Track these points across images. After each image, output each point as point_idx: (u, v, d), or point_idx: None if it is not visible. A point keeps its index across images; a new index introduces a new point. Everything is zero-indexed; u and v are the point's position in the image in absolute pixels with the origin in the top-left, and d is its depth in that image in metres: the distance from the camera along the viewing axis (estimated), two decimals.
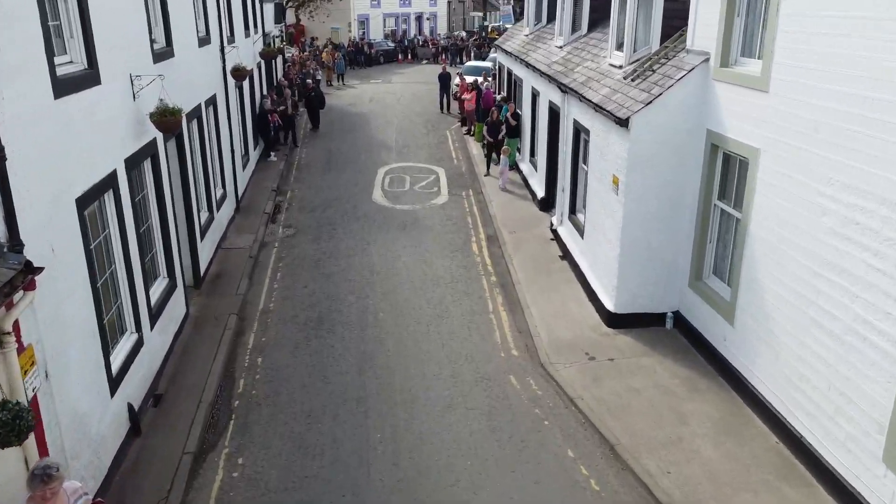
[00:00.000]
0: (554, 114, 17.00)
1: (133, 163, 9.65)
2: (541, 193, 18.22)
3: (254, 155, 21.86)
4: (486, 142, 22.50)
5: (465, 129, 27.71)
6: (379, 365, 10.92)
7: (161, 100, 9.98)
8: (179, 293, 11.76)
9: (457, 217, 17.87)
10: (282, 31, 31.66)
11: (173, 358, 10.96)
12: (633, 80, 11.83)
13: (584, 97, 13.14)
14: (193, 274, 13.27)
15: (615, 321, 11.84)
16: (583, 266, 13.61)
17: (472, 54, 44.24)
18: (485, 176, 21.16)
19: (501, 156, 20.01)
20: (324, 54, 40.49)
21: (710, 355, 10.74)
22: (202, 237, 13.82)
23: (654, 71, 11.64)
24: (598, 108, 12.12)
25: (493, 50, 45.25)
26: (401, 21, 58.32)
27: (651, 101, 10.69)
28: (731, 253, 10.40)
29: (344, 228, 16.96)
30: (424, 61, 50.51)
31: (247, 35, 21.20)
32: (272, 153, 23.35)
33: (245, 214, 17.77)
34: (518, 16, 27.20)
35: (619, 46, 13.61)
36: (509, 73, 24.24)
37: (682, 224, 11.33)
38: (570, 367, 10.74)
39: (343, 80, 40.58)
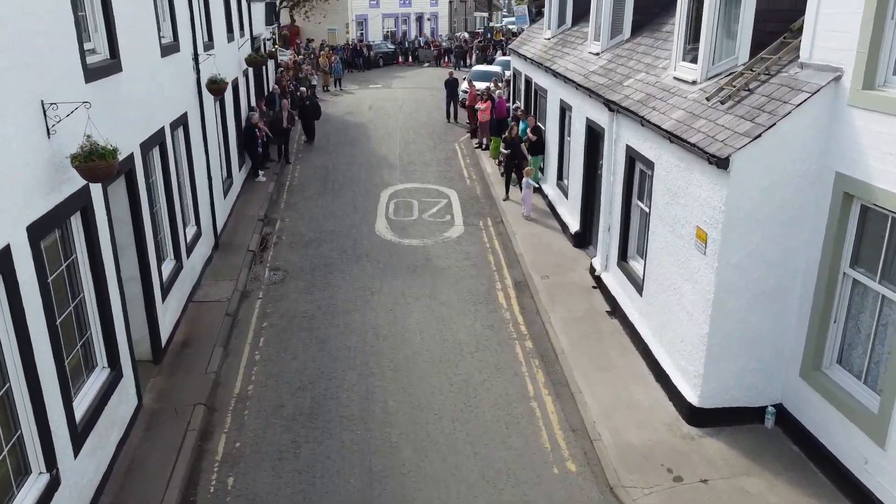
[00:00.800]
0: (594, 134, 14.13)
1: (44, 227, 6.76)
2: (574, 226, 15.35)
3: (239, 176, 18.96)
4: (503, 160, 19.67)
5: (475, 141, 24.83)
6: (391, 491, 8.04)
7: (87, 136, 7.09)
8: (127, 384, 8.87)
9: (476, 255, 14.99)
10: (274, 34, 28.84)
11: (113, 480, 8.07)
12: (722, 102, 8.97)
13: (646, 120, 10.27)
14: (152, 345, 10.38)
15: (700, 418, 8.99)
16: (643, 332, 10.74)
17: (475, 57, 41.22)
18: (504, 200, 18.29)
19: (524, 178, 17.13)
20: (321, 57, 37.57)
21: (837, 475, 7.90)
22: (165, 295, 10.92)
23: (750, 91, 8.78)
24: (672, 137, 9.26)
25: (498, 52, 42.50)
26: (400, 21, 55.41)
27: (760, 134, 7.82)
28: (873, 341, 7.55)
29: (342, 272, 14.07)
30: (426, 64, 47.60)
31: (230, 39, 18.30)
32: (261, 172, 20.44)
33: (225, 253, 14.87)
34: (534, 16, 24.23)
35: (689, 56, 10.74)
36: (528, 82, 21.36)
37: (793, 297, 8.48)
38: (651, 494, 7.88)
39: (340, 85, 37.66)
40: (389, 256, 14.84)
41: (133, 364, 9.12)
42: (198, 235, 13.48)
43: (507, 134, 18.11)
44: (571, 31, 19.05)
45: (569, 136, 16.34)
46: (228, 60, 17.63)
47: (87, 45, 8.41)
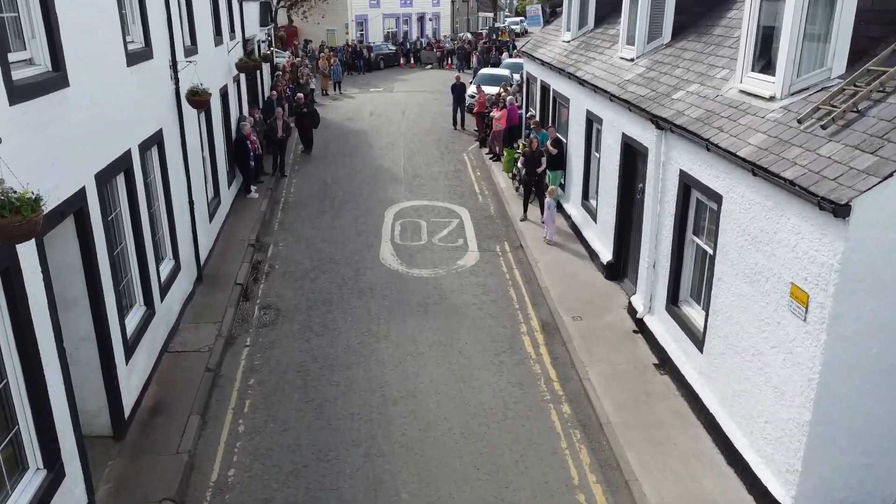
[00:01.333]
0: (632, 153, 12.26)
1: None
2: (606, 255, 13.48)
3: (228, 194, 17.07)
4: (518, 175, 17.85)
5: (486, 151, 22.97)
6: None
7: (0, 182, 5.22)
8: (71, 484, 6.98)
9: (495, 289, 13.12)
10: (269, 35, 27.00)
11: None
12: (823, 127, 7.10)
13: (713, 144, 8.40)
14: (112, 418, 8.51)
15: None
16: (706, 399, 8.87)
17: (479, 59, 39.28)
18: (521, 221, 16.42)
19: (546, 198, 15.26)
20: (320, 59, 35.65)
21: None
22: (130, 353, 9.04)
23: (860, 112, 6.91)
24: (756, 168, 7.38)
25: (504, 55, 40.66)
26: (401, 22, 53.52)
27: (893, 173, 5.95)
28: None
29: (342, 310, 12.19)
30: (429, 66, 45.71)
31: (218, 43, 16.41)
32: (253, 188, 18.56)
33: (210, 287, 12.98)
34: (548, 17, 22.35)
35: (760, 65, 8.87)
36: (544, 88, 19.50)
37: None
38: None
39: (340, 89, 35.76)
40: (397, 291, 12.96)
41: (82, 456, 7.23)
42: (176, 270, 11.60)
43: (526, 147, 16.22)
44: (595, 34, 17.19)
45: (597, 151, 14.48)
46: (216, 66, 15.74)
47: (15, 56, 6.54)
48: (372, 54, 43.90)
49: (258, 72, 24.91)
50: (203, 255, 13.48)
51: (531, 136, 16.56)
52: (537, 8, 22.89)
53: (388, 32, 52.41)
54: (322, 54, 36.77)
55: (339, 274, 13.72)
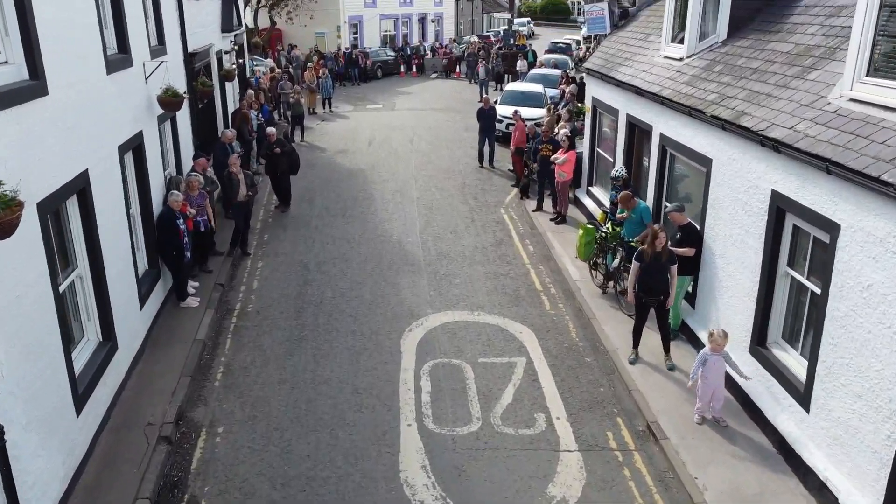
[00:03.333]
0: None
1: None
2: (861, 500, 6.69)
3: (141, 316, 10.09)
4: (601, 265, 11.15)
5: (534, 208, 16.13)
6: None
7: None
8: None
9: None
10: (235, 43, 20.01)
11: None
12: None
13: None
14: None
15: None
16: None
17: (488, 70, 31.75)
18: (631, 363, 9.60)
19: (715, 347, 8.24)
20: (307, 72, 28.60)
21: None
22: None
23: None
24: None
25: (521, 63, 33.67)
26: (401, 24, 46.50)
27: None
28: None
29: None
30: (433, 75, 38.72)
31: (116, 68, 9.45)
32: (192, 289, 11.64)
33: None
34: (617, 19, 15.44)
35: None
36: (637, 130, 12.71)
37: None
38: None
39: (330, 106, 28.78)
40: None
41: None
42: None
43: (645, 245, 9.25)
44: (736, 48, 10.45)
45: (792, 267, 7.70)
46: (104, 111, 8.78)
47: None
48: (368, 62, 36.90)
49: (219, 94, 18.00)
50: (79, 458, 6.54)
51: (656, 229, 9.48)
52: (601, 6, 15.92)
53: (386, 35, 45.39)
54: (310, 64, 29.68)
55: None
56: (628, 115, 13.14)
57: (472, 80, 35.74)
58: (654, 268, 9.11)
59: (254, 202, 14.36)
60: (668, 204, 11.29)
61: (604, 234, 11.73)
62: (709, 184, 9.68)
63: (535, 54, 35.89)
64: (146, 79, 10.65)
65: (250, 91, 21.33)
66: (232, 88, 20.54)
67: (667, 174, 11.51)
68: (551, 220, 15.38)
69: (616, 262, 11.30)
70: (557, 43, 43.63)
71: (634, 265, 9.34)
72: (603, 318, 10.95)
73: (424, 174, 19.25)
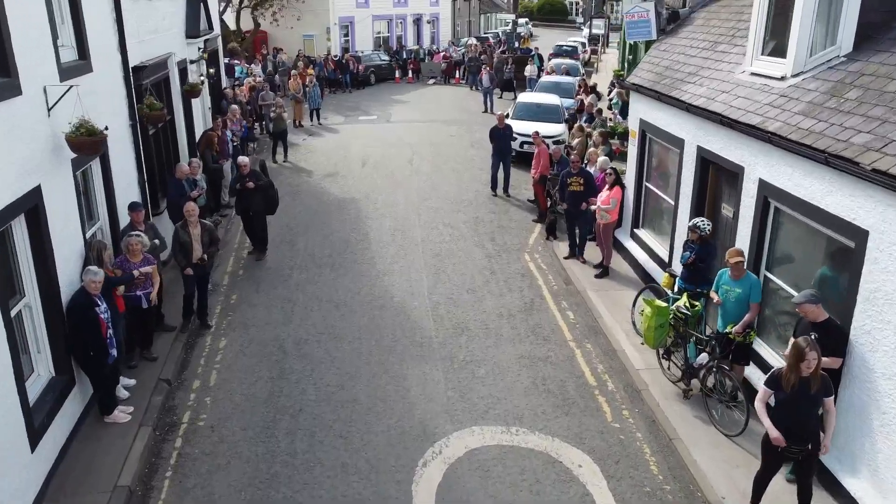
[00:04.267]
0: None
1: None
2: None
3: (32, 465, 6.90)
4: (679, 359, 8.05)
5: (558, 245, 13.01)
6: None
7: None
8: None
9: None
10: (202, 50, 16.73)
11: None
12: None
13: None
14: None
15: None
16: None
17: (492, 77, 28.10)
18: None
19: None
20: (292, 80, 25.33)
21: None
22: None
23: None
24: None
25: (529, 68, 30.41)
26: (395, 25, 43.27)
27: None
28: None
29: None
30: (431, 81, 35.52)
31: (7, 94, 6.30)
32: (123, 393, 8.47)
33: None
34: (665, 24, 12.33)
35: None
36: (726, 174, 9.62)
37: None
38: None
39: (318, 118, 25.56)
40: None
41: None
42: None
43: (784, 368, 6.12)
44: (875, 67, 7.38)
45: None
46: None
47: None
48: (360, 67, 33.66)
49: (189, 113, 14.84)
50: None
51: (805, 350, 6.21)
52: (645, 7, 12.79)
53: (380, 37, 42.16)
54: (295, 71, 26.39)
55: None
56: (700, 149, 10.04)
57: (474, 87, 32.63)
58: (798, 401, 5.99)
59: (213, 263, 11.12)
60: (775, 280, 8.20)
61: (682, 316, 8.60)
62: (861, 265, 6.59)
63: (541, 58, 32.74)
64: (49, 111, 7.44)
65: (233, 106, 18.09)
66: (202, 105, 17.32)
67: (768, 237, 8.41)
68: (597, 276, 12.25)
69: (704, 358, 8.18)
70: (563, 45, 40.46)
71: (764, 392, 6.22)
72: (690, 437, 7.85)
73: (429, 205, 16.09)
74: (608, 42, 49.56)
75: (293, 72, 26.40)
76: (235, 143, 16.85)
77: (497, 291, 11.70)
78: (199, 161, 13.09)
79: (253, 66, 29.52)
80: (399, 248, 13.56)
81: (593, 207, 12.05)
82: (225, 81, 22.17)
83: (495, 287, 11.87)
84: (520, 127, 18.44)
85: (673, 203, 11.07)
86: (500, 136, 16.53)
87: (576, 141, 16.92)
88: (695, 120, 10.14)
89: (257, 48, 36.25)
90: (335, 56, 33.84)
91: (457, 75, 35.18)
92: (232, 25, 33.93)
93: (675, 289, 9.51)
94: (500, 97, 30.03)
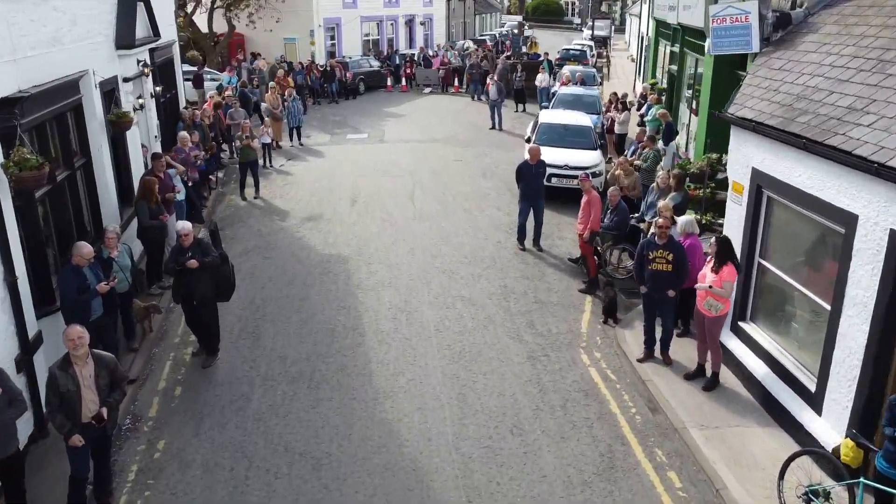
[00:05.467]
0: None
1: None
2: None
3: None
4: None
5: (640, 357, 9.11)
6: None
7: None
8: None
9: None
10: (144, 64, 12.68)
11: None
12: None
13: None
14: None
15: None
16: None
17: (499, 88, 23.38)
18: None
19: None
20: (268, 94, 21.26)
21: None
22: None
23: None
24: None
25: (542, 77, 26.33)
26: (385, 26, 39.23)
27: None
28: None
29: None
30: (427, 90, 31.53)
31: None
32: None
33: None
34: (770, 30, 8.43)
35: None
36: None
37: None
38: None
39: (300, 137, 21.57)
40: None
41: None
42: None
43: None
44: None
45: None
46: None
47: None
48: (348, 74, 29.62)
49: (119, 155, 10.86)
50: None
51: None
52: (745, 10, 8.90)
53: (369, 40, 38.11)
54: (272, 84, 22.25)
55: None
56: (895, 233, 6.20)
57: (476, 97, 28.71)
58: None
59: (116, 421, 7.16)
60: None
61: None
62: None
63: (551, 65, 28.83)
64: None
65: (181, 134, 14.03)
66: (148, 135, 13.28)
67: None
68: (704, 387, 8.41)
69: None
70: (570, 49, 36.58)
71: None
72: None
73: (440, 266, 12.17)
74: (611, 45, 45.85)
75: (270, 84, 22.31)
76: (188, 179, 12.87)
77: (555, 431, 7.80)
78: (116, 230, 9.06)
79: (224, 74, 25.43)
80: (404, 343, 9.64)
81: (700, 288, 8.17)
82: (185, 99, 18.08)
83: (551, 421, 7.97)
84: (555, 158, 14.58)
85: (829, 307, 7.20)
86: (533, 174, 12.63)
87: (626, 181, 13.07)
88: (884, 187, 6.28)
89: (233, 53, 32.17)
90: (321, 66, 29.74)
91: (456, 83, 31.19)
92: (204, 28, 29.79)
93: (872, 471, 5.69)
94: (522, 110, 26.15)
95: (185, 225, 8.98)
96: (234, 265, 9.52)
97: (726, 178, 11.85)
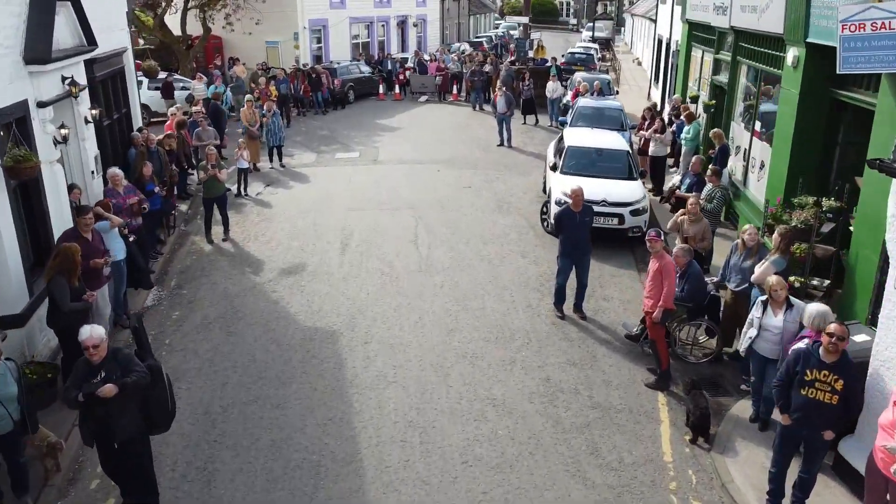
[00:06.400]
0: None
1: None
2: None
3: None
4: None
5: (723, 463, 6.20)
6: None
7: None
8: None
9: None
10: (71, 83, 9.72)
11: None
12: None
13: None
14: None
15: None
16: None
17: (508, 98, 20.25)
18: None
19: None
20: (245, 109, 18.17)
21: None
22: None
23: None
24: None
25: (552, 85, 23.38)
26: (376, 29, 36.18)
27: None
28: None
29: None
30: (422, 98, 28.53)
31: None
32: None
33: None
34: None
35: None
36: None
37: None
38: None
39: (281, 158, 18.56)
40: None
41: None
42: None
43: None
44: None
45: None
46: None
47: None
48: (336, 81, 26.57)
49: (35, 206, 7.80)
50: None
51: None
52: (892, 11, 5.90)
53: (358, 43, 35.06)
54: (249, 97, 19.14)
55: None
56: None
57: (478, 107, 25.80)
58: None
59: None
60: None
61: None
62: None
63: (560, 71, 25.89)
64: None
65: (112, 170, 10.88)
66: (83, 174, 10.24)
67: None
68: None
69: None
70: (575, 53, 33.72)
71: None
72: None
73: (459, 349, 9.22)
74: (613, 48, 43.08)
75: (247, 97, 19.23)
76: (128, 234, 9.85)
77: None
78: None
79: (195, 83, 22.34)
80: (420, 490, 6.68)
81: (892, 450, 5.29)
82: (143, 116, 14.99)
83: None
84: (596, 192, 11.70)
85: None
86: (577, 224, 9.69)
87: (692, 230, 10.18)
88: None
89: (209, 58, 29.04)
90: (306, 66, 26.66)
91: (454, 91, 28.22)
92: (177, 31, 26.66)
93: None
94: (534, 123, 23.32)
95: (92, 333, 5.94)
96: (171, 381, 6.52)
97: (833, 230, 9.07)
